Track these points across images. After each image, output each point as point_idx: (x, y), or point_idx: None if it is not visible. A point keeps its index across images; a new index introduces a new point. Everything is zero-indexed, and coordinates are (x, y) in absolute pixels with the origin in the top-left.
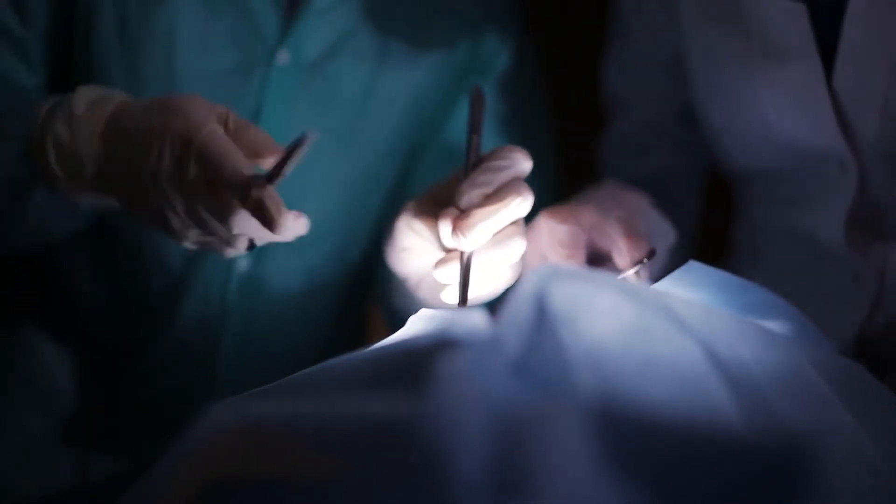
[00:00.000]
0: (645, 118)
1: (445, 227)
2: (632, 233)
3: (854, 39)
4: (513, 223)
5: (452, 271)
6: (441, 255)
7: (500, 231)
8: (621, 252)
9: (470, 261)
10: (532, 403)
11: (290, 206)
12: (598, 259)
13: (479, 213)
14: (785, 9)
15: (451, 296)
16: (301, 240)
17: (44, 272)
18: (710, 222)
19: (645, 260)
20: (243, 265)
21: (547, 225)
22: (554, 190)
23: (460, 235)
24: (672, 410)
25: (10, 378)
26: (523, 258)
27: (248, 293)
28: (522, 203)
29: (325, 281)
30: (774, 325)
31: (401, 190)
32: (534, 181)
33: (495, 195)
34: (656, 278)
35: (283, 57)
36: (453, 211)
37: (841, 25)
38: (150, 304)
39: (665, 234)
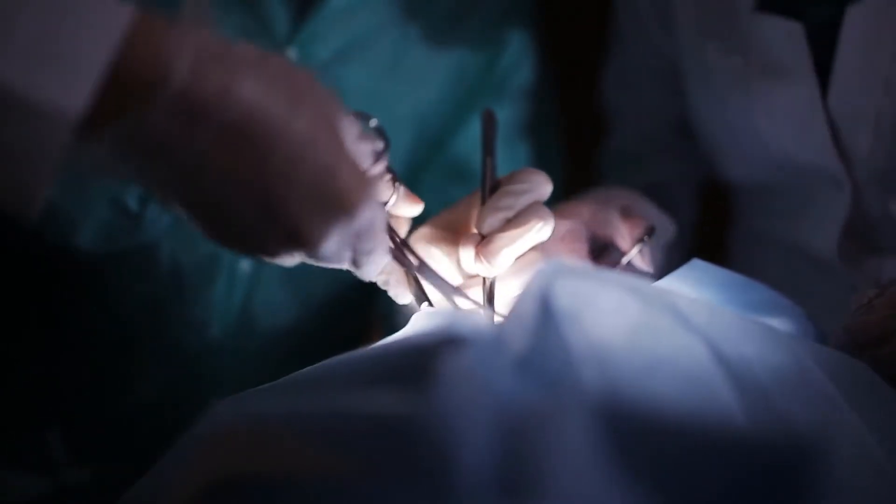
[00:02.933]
0: (642, 130)
1: (467, 252)
2: (630, 214)
3: (848, 59)
4: (533, 248)
5: (475, 296)
6: (461, 281)
7: (522, 257)
8: (622, 234)
9: (493, 286)
10: (537, 401)
11: None
12: (601, 250)
13: (502, 239)
14: (782, 27)
15: None
16: None
17: (31, 277)
18: (705, 228)
19: (646, 238)
20: (245, 267)
21: None
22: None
23: (484, 261)
24: (677, 408)
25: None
26: None
27: (250, 296)
28: (544, 227)
29: (320, 290)
30: (777, 324)
31: None
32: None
33: (516, 219)
34: (659, 274)
35: (291, 55)
36: (475, 236)
37: (835, 45)
38: (146, 307)
39: (664, 227)
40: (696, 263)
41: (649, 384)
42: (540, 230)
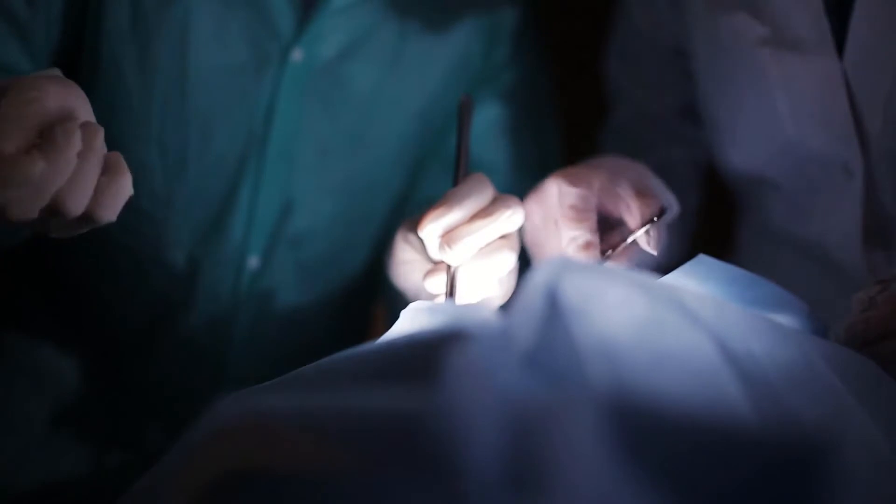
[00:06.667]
0: (645, 110)
1: (429, 238)
2: (643, 192)
3: (860, 38)
4: (503, 237)
5: (440, 282)
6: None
7: (489, 244)
8: (632, 211)
9: (455, 272)
10: (543, 397)
11: (295, 205)
12: (608, 223)
13: (465, 228)
14: (801, 1)
15: None
16: (302, 238)
17: (50, 268)
18: (712, 221)
19: (655, 219)
20: (253, 262)
21: (557, 188)
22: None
23: (446, 248)
24: (684, 404)
25: (17, 371)
26: (535, 222)
27: (257, 290)
28: (512, 217)
29: (324, 281)
30: (783, 320)
31: (406, 198)
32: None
33: (486, 210)
34: (663, 264)
35: (297, 55)
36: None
37: (848, 21)
38: (158, 301)
39: (670, 204)
40: (702, 259)
41: (656, 380)
42: (507, 220)
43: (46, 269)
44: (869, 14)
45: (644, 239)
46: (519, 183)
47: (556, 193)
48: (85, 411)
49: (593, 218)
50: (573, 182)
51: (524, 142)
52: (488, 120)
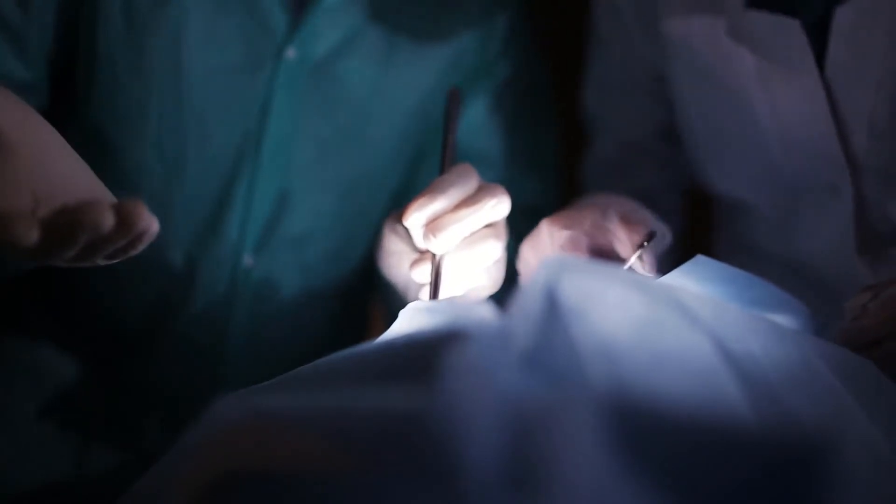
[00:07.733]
0: (624, 138)
1: (413, 226)
2: (629, 220)
3: (839, 57)
4: (489, 226)
5: (426, 271)
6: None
7: (474, 233)
8: (622, 241)
9: (440, 261)
10: (543, 396)
11: (291, 203)
12: (606, 258)
13: (449, 217)
14: (779, 23)
15: (427, 295)
16: (299, 237)
17: (49, 268)
18: (691, 236)
19: (645, 243)
20: (248, 261)
21: (548, 230)
22: (559, 193)
23: (431, 237)
24: (683, 404)
25: (14, 370)
26: (530, 266)
27: (253, 288)
28: (497, 205)
29: (322, 280)
30: (781, 320)
31: (405, 193)
32: (538, 184)
33: (470, 198)
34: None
35: (291, 53)
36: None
37: (827, 43)
38: (157, 301)
39: (661, 235)
40: (701, 259)
41: (656, 380)
42: (492, 209)
43: (46, 270)
44: (845, 37)
45: (638, 264)
46: (513, 176)
47: (547, 235)
48: (84, 411)
49: (584, 257)
50: (563, 225)
51: (519, 135)
52: (483, 113)
